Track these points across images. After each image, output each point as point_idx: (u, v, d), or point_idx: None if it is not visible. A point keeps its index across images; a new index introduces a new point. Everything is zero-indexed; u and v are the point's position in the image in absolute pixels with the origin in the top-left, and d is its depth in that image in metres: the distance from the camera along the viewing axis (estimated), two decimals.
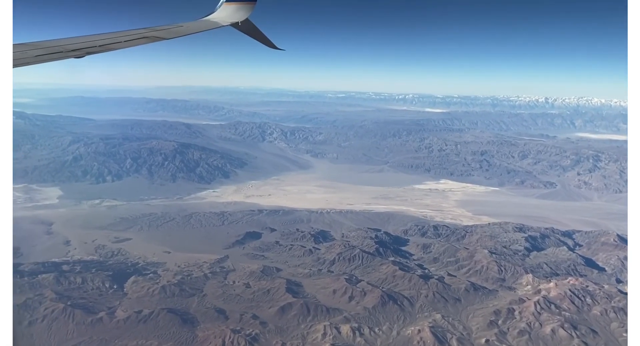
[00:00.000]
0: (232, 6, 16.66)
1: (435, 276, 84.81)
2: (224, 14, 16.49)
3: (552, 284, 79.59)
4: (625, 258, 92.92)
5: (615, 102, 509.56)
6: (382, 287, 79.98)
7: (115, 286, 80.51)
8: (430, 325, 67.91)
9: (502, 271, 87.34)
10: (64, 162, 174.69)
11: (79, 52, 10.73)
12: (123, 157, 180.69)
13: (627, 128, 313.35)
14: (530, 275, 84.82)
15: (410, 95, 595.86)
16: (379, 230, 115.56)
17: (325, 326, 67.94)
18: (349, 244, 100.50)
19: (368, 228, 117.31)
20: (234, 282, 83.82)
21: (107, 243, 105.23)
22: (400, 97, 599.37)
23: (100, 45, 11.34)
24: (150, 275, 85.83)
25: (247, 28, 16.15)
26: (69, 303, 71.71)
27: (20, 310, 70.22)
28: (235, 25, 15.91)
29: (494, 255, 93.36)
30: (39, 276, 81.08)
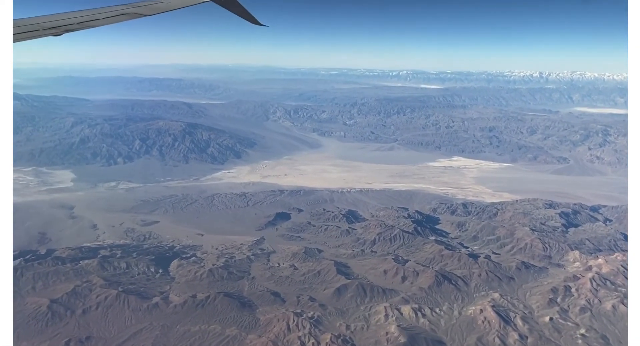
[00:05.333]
0: None
1: (482, 255, 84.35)
2: None
3: (600, 260, 79.55)
4: None
5: (609, 76, 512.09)
6: (433, 267, 79.29)
7: (160, 271, 78.64)
8: (491, 304, 67.46)
9: (546, 248, 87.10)
10: (70, 144, 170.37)
11: (57, 29, 10.28)
12: (131, 138, 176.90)
13: (625, 102, 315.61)
14: (577, 251, 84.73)
15: (404, 72, 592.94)
16: (407, 209, 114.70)
17: (385, 307, 67.06)
18: (385, 224, 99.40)
19: (397, 207, 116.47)
20: (279, 264, 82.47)
21: (135, 226, 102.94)
22: (393, 73, 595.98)
23: (78, 23, 10.90)
24: (192, 258, 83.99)
25: (228, 3, 15.00)
26: (120, 289, 69.78)
27: (70, 298, 68.17)
28: (216, 0, 14.72)
29: (535, 233, 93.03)
30: (81, 262, 78.78)
